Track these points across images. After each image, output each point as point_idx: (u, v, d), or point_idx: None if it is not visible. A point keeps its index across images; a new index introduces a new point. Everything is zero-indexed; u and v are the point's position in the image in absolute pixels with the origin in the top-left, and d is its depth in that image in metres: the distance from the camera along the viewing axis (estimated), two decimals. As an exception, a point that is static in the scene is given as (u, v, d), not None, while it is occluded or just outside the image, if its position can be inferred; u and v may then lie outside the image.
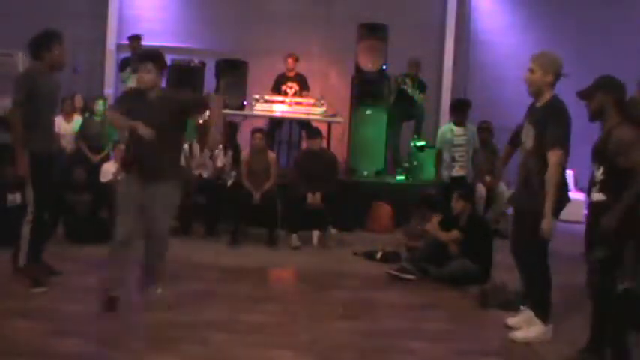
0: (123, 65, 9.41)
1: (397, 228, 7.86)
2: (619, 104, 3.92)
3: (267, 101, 8.60)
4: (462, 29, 11.04)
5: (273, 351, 4.00)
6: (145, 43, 9.33)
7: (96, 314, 4.45)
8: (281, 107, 8.64)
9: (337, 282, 5.72)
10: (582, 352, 4.00)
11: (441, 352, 4.21)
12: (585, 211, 4.50)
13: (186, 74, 8.48)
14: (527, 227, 4.20)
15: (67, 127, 8.22)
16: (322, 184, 7.11)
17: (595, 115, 3.99)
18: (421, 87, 9.38)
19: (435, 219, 6.29)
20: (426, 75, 9.62)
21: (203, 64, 9.07)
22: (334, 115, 8.72)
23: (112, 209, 6.32)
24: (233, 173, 7.68)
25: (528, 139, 4.32)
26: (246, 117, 8.83)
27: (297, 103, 8.69)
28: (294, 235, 7.02)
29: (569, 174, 8.82)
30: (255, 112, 8.60)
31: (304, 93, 9.07)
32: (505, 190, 7.79)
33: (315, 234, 7.20)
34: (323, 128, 8.36)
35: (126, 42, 9.69)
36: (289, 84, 9.14)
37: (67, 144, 8.16)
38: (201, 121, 7.10)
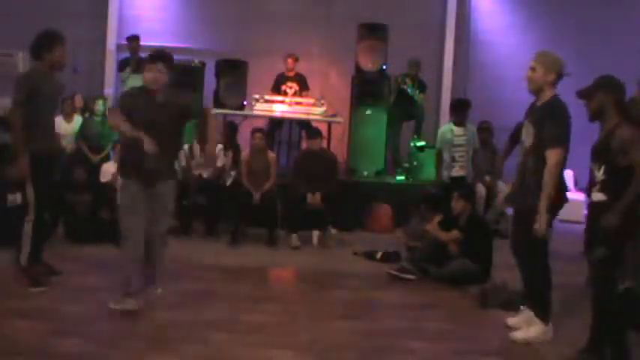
0: (122, 65, 9.41)
1: (397, 228, 7.86)
2: (619, 104, 3.92)
3: (267, 101, 8.59)
4: (462, 29, 11.03)
5: (273, 351, 4.00)
6: (144, 43, 9.32)
7: (96, 314, 4.46)
8: (281, 107, 8.63)
9: (337, 282, 5.73)
10: (582, 352, 4.00)
11: (441, 352, 4.21)
12: (585, 211, 4.50)
13: (186, 74, 8.46)
14: (526, 227, 4.19)
15: (67, 127, 8.21)
16: (322, 184, 7.10)
17: (595, 115, 3.99)
18: (421, 87, 9.37)
19: (435, 219, 6.30)
20: (426, 75, 9.62)
21: (203, 64, 9.07)
22: (334, 115, 8.72)
23: (112, 209, 6.35)
24: (233, 173, 7.68)
25: (528, 137, 4.32)
26: (246, 117, 8.82)
27: (297, 103, 8.69)
28: (294, 235, 7.02)
29: (569, 174, 8.83)
30: (255, 112, 8.59)
31: (304, 93, 9.07)
32: (504, 190, 7.79)
33: (315, 234, 7.20)
34: (323, 128, 8.36)
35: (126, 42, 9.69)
36: (289, 84, 9.14)
37: (67, 144, 8.15)
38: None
